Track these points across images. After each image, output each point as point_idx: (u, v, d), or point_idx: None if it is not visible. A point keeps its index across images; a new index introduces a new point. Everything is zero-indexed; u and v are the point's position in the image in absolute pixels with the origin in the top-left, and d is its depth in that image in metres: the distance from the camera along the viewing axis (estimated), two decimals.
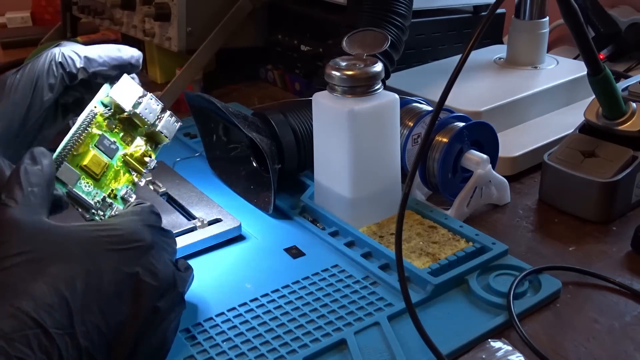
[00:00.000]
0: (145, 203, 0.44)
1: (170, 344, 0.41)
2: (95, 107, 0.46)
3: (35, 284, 0.35)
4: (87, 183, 0.45)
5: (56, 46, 0.48)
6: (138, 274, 0.38)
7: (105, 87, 0.48)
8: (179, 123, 0.51)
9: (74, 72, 0.48)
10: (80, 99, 0.51)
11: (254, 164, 0.67)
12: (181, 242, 0.53)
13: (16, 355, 0.32)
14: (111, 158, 0.47)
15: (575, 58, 0.91)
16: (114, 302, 0.37)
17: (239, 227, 0.56)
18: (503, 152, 0.64)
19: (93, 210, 0.45)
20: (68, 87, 0.49)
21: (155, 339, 0.39)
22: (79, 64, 0.48)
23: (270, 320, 0.46)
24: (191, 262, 0.47)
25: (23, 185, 0.39)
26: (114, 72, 0.49)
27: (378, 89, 0.54)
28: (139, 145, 0.49)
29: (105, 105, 0.47)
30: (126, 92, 0.47)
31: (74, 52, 0.48)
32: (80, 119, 0.46)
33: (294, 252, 0.54)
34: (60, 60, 0.47)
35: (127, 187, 0.47)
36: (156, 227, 0.42)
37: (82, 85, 0.50)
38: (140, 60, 0.51)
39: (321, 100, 0.55)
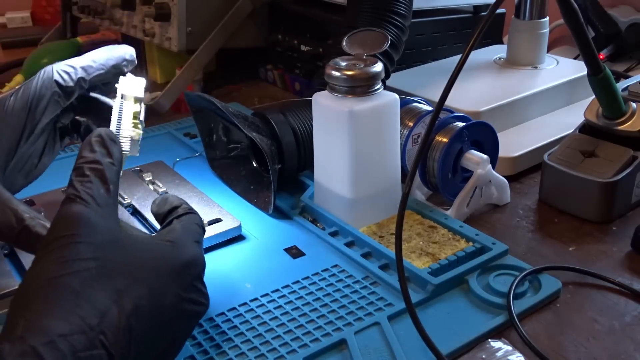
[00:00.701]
0: (193, 214, 0.43)
1: None
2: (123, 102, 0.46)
3: (106, 301, 0.34)
4: None
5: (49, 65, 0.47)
6: (192, 301, 0.39)
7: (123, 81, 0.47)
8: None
9: (71, 86, 0.47)
10: (76, 122, 0.51)
11: (254, 164, 0.67)
12: None
13: None
14: None
15: (575, 58, 0.91)
16: (168, 327, 0.37)
17: (239, 227, 0.56)
18: (503, 152, 0.64)
19: None
20: (65, 109, 0.48)
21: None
22: (75, 75, 0.47)
23: (270, 320, 0.46)
24: None
25: (99, 181, 0.37)
26: (113, 71, 0.48)
27: (378, 89, 0.54)
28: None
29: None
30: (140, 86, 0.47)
31: (68, 66, 0.47)
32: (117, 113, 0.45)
33: (294, 252, 0.54)
34: (55, 78, 0.46)
35: None
36: (198, 241, 0.42)
37: (79, 105, 0.49)
38: (134, 55, 0.50)
39: (321, 100, 0.55)
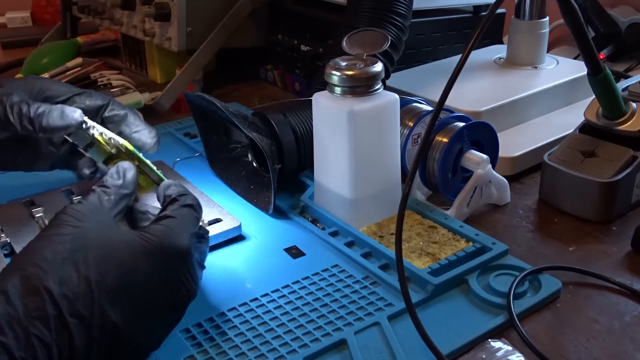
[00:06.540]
0: (187, 201, 0.44)
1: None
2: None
3: (68, 268, 0.36)
4: None
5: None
6: (170, 285, 0.40)
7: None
8: None
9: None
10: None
11: (254, 164, 0.67)
12: None
13: (35, 334, 0.33)
14: None
15: (575, 58, 0.91)
16: (139, 306, 0.38)
17: (239, 227, 0.56)
18: (503, 152, 0.64)
19: None
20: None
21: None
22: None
23: (270, 320, 0.46)
24: None
25: (97, 191, 0.42)
26: None
27: (378, 89, 0.54)
28: None
29: None
30: None
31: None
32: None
33: (294, 252, 0.54)
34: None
35: None
36: (193, 233, 0.42)
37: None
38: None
39: (321, 100, 0.55)
